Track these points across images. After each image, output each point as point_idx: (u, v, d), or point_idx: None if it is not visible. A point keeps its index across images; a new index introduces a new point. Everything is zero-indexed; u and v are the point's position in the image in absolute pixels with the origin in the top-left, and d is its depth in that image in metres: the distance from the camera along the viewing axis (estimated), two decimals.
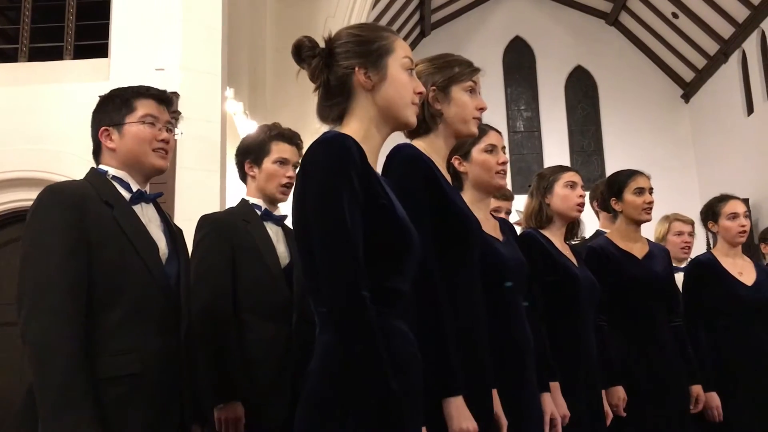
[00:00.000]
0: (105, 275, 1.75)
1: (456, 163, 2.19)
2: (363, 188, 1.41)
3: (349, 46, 1.54)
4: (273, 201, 2.56)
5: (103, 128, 1.93)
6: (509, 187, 5.36)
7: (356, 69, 1.52)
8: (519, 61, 12.57)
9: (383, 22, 10.35)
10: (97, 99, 1.99)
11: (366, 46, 1.54)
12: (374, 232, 1.41)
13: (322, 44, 1.57)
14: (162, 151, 1.95)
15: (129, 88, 2.00)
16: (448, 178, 1.90)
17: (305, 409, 1.39)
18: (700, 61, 11.19)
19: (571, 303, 2.53)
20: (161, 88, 2.07)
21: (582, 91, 12.45)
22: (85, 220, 1.76)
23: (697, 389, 2.93)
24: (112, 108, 1.94)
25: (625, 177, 2.99)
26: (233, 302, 2.35)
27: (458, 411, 1.54)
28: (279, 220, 2.55)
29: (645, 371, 2.78)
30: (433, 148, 1.88)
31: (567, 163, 11.41)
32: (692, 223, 4.08)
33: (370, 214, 1.41)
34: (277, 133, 2.55)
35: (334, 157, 1.40)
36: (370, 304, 1.33)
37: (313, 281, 1.43)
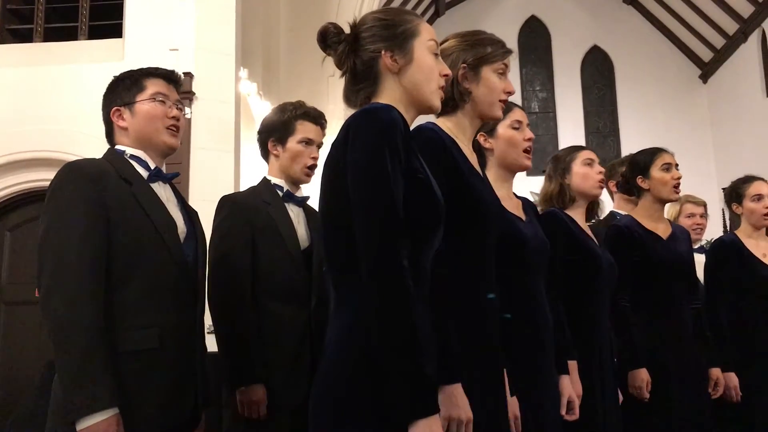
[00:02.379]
0: (123, 250, 1.77)
1: (481, 139, 2.16)
2: (405, 160, 1.40)
3: (375, 30, 1.54)
4: (296, 182, 2.52)
5: (114, 108, 1.96)
6: None
7: (383, 52, 1.52)
8: (534, 41, 12.44)
9: (397, 1, 10.26)
10: (111, 80, 2.02)
11: (392, 29, 1.54)
12: (410, 205, 1.39)
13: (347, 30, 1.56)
14: (174, 128, 1.97)
15: (138, 69, 2.02)
16: (474, 158, 1.86)
17: (321, 393, 1.38)
18: (718, 41, 11.00)
19: (591, 283, 2.51)
20: (175, 68, 2.11)
21: (598, 72, 12.31)
22: (104, 196, 1.77)
23: (716, 372, 2.91)
24: (123, 88, 1.97)
25: (650, 154, 2.93)
26: (252, 285, 2.33)
27: (450, 399, 1.47)
28: (300, 202, 2.51)
29: (668, 353, 2.73)
30: (459, 127, 1.85)
31: (582, 144, 11.31)
32: (704, 205, 4.02)
33: (409, 186, 1.39)
34: (303, 112, 2.50)
35: (382, 123, 1.39)
36: (409, 272, 1.30)
37: (334, 257, 1.41)
